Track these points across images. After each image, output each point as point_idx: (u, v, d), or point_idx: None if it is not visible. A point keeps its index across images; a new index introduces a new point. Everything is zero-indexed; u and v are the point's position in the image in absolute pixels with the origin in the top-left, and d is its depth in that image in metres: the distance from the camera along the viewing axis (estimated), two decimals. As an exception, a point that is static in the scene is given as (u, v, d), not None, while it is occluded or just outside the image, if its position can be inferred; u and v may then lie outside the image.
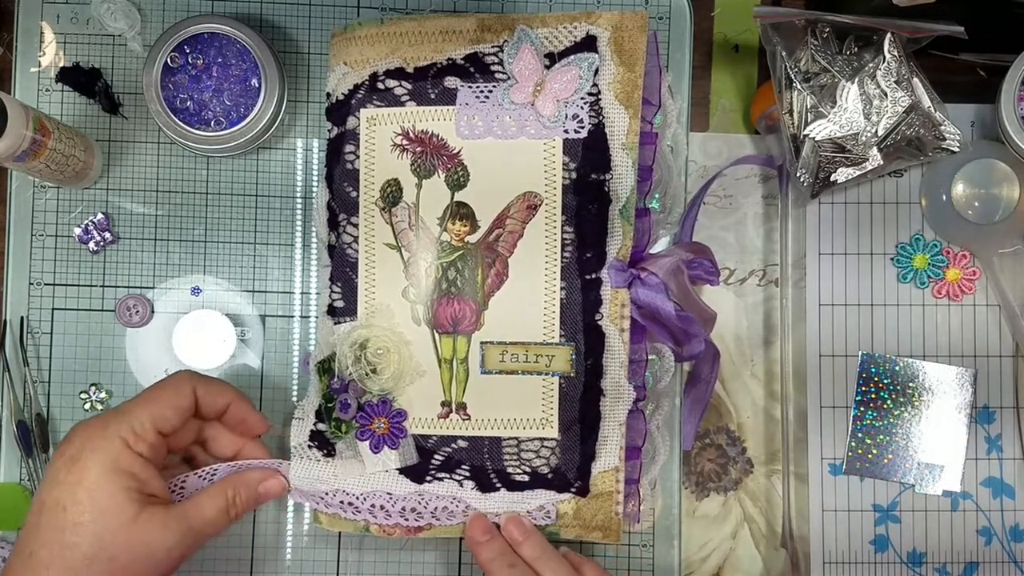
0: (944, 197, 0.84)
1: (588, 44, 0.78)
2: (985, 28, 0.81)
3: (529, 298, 0.79)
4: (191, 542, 0.71)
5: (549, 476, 0.79)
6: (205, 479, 0.76)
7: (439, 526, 0.79)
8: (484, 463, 0.79)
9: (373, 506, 0.78)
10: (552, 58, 0.78)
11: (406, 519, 0.78)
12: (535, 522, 0.78)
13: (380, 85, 0.80)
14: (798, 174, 0.82)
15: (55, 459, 0.70)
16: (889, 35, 0.80)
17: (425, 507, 0.78)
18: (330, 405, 0.79)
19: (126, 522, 0.68)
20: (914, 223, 0.86)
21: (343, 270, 0.80)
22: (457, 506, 0.78)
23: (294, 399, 0.85)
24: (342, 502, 0.79)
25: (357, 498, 0.79)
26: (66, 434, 0.71)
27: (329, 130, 0.81)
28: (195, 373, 0.76)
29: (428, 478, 0.79)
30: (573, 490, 0.78)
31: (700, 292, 0.86)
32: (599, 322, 0.78)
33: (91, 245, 0.85)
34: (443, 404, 0.79)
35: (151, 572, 0.70)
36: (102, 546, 0.68)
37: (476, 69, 0.79)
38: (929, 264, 0.85)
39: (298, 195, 0.86)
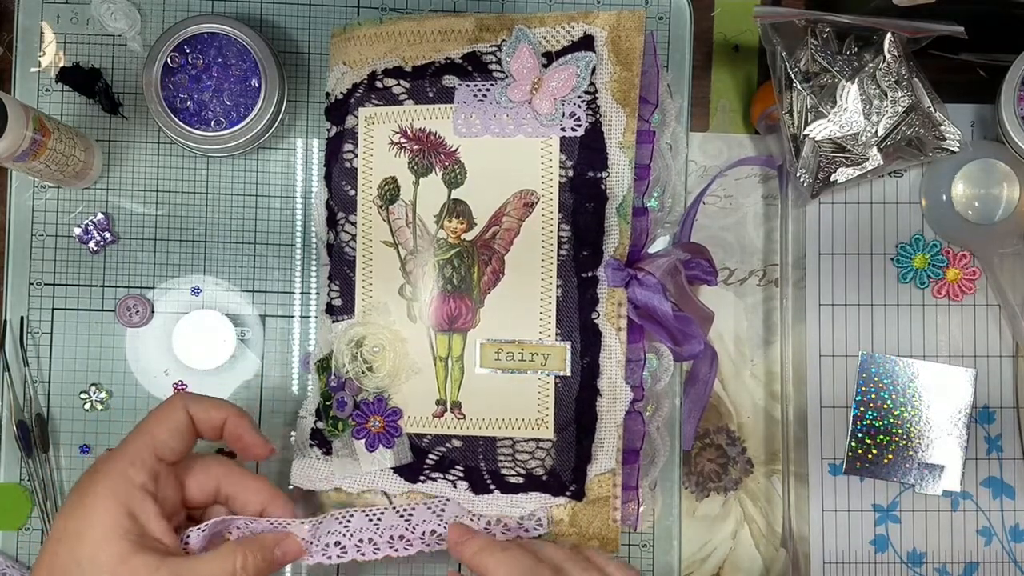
0: (944, 197, 0.83)
1: (585, 43, 0.78)
2: (985, 28, 0.81)
3: (525, 296, 0.78)
4: None
5: (544, 478, 0.78)
6: (203, 530, 0.72)
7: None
8: (478, 463, 0.79)
9: (361, 540, 0.76)
10: (550, 57, 0.78)
11: (395, 549, 0.77)
12: (527, 534, 0.78)
13: (378, 84, 0.80)
14: (798, 174, 0.82)
15: (71, 490, 0.69)
16: (889, 35, 0.80)
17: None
18: (328, 403, 0.80)
19: (115, 562, 0.66)
20: (914, 223, 0.86)
21: (341, 268, 0.81)
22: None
23: (294, 400, 0.85)
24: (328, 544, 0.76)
25: (344, 536, 0.76)
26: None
27: (328, 129, 0.82)
28: (188, 393, 0.75)
29: (422, 478, 0.79)
30: (568, 494, 0.78)
31: (699, 292, 0.86)
32: (595, 320, 0.78)
33: (91, 245, 0.85)
34: (438, 403, 0.79)
35: None
36: None
37: (474, 68, 0.79)
38: (929, 264, 0.85)
39: (298, 195, 0.86)
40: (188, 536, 0.72)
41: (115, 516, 0.67)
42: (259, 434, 0.75)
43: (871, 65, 0.80)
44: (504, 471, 0.79)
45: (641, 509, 0.81)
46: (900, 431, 0.84)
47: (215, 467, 0.75)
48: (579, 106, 0.78)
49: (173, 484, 0.72)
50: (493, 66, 0.79)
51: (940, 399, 0.84)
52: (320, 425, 0.80)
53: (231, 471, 0.75)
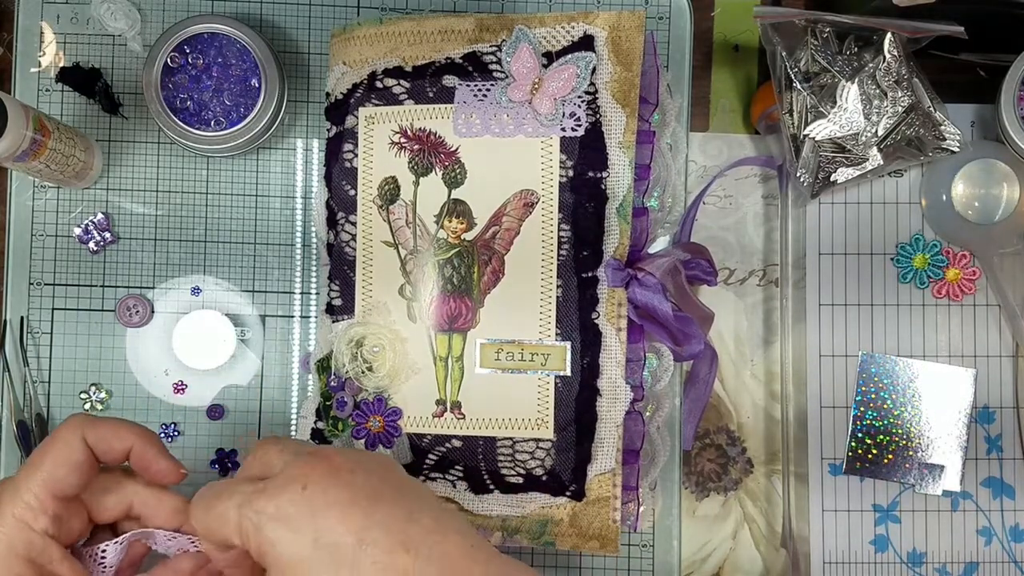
0: (944, 197, 0.83)
1: (585, 43, 0.78)
2: (985, 28, 0.81)
3: (525, 296, 0.78)
4: None
5: (544, 478, 0.78)
6: (120, 544, 0.66)
7: None
8: (478, 463, 0.79)
9: None
10: (550, 57, 0.78)
11: None
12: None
13: (379, 84, 0.80)
14: (798, 174, 0.82)
15: None
16: (889, 35, 0.80)
17: None
18: (328, 403, 0.80)
19: None
20: (914, 223, 0.86)
21: (341, 268, 0.81)
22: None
23: (294, 400, 0.86)
24: None
25: None
26: None
27: (328, 129, 0.82)
28: (86, 417, 0.65)
29: (421, 478, 0.79)
30: (568, 494, 0.78)
31: (699, 292, 0.86)
32: (596, 320, 0.78)
33: (91, 245, 0.85)
34: (438, 403, 0.79)
35: None
36: None
37: (474, 68, 0.79)
38: (929, 264, 0.85)
39: (298, 195, 0.86)
40: (104, 552, 0.66)
41: (12, 568, 0.62)
42: (169, 459, 0.66)
43: (871, 65, 0.80)
44: (504, 471, 0.79)
45: (641, 509, 0.81)
46: (900, 431, 0.84)
47: (126, 487, 0.67)
48: (579, 106, 0.78)
49: (79, 511, 0.65)
50: (493, 66, 0.79)
51: (940, 399, 0.84)
52: (320, 425, 0.80)
53: (144, 490, 0.67)
